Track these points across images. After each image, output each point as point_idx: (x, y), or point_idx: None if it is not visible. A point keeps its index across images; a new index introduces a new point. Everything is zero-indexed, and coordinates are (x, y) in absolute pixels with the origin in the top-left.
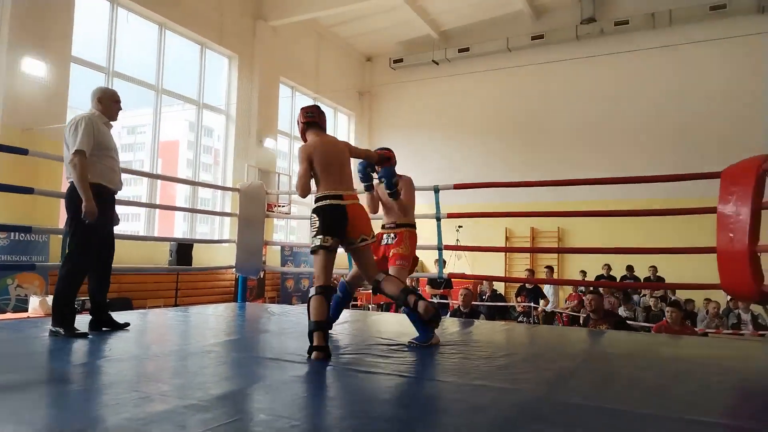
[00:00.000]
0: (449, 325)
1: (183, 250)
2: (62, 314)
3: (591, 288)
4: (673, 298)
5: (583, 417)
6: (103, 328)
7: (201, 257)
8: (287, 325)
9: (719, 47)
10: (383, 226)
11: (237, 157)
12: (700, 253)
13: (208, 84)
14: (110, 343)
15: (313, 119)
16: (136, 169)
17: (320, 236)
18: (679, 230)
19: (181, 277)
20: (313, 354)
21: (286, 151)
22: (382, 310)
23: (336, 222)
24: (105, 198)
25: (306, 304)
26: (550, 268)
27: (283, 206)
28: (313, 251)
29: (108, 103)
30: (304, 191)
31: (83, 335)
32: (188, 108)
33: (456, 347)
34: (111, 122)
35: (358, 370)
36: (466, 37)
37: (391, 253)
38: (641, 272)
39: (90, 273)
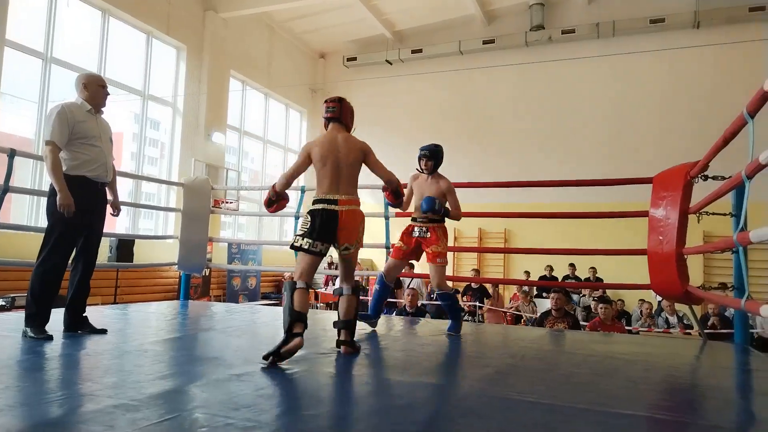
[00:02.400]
0: (395, 323)
1: (124, 246)
2: (32, 315)
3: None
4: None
5: (517, 411)
6: (79, 331)
7: (144, 254)
8: (230, 323)
9: (658, 58)
10: (415, 219)
11: (184, 151)
12: (633, 255)
13: (155, 75)
14: (41, 342)
15: (333, 114)
16: None
17: (308, 239)
18: (618, 233)
19: (121, 274)
20: (293, 342)
21: (236, 147)
22: (331, 309)
23: (326, 227)
24: (89, 189)
25: (286, 296)
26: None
27: (231, 202)
28: (298, 249)
29: (94, 89)
30: (282, 186)
31: (49, 338)
32: (133, 99)
33: (399, 345)
34: (100, 109)
35: (298, 370)
36: (420, 39)
37: (430, 251)
38: (582, 273)
39: (71, 272)
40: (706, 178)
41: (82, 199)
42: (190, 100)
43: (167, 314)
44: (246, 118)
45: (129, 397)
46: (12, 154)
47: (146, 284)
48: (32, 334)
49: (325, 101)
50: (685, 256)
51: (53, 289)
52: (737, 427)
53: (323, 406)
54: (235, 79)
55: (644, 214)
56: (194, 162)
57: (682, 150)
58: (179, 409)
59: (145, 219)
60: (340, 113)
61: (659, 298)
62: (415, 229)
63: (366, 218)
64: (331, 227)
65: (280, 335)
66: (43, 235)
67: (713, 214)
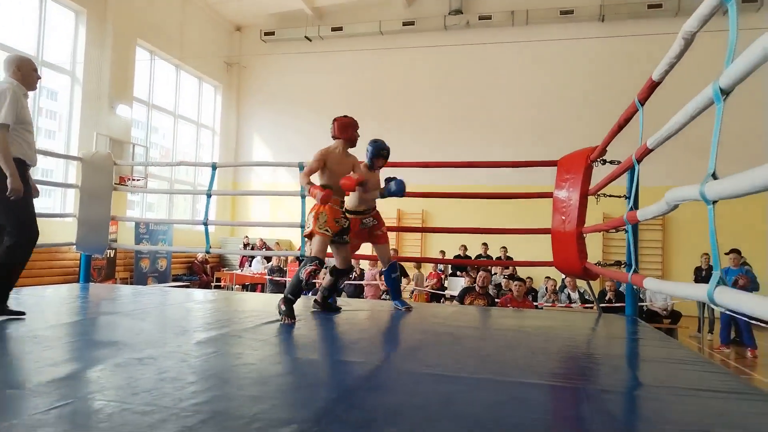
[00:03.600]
0: (311, 303)
1: None
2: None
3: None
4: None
5: (422, 384)
6: None
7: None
8: (135, 306)
9: (567, 48)
10: (359, 212)
11: (84, 124)
12: (538, 234)
13: (50, 40)
14: None
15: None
16: None
17: (327, 228)
18: (529, 214)
19: None
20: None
21: (143, 120)
22: (247, 290)
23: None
24: (23, 173)
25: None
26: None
27: (138, 180)
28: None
29: (27, 71)
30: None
31: (21, 313)
32: None
33: (311, 324)
34: (28, 92)
35: (207, 352)
36: (340, 16)
37: (381, 232)
38: (494, 253)
39: None
40: (604, 162)
41: (25, 185)
42: (91, 69)
43: (65, 298)
44: (155, 91)
45: (15, 385)
46: None
47: (43, 266)
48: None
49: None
50: (584, 235)
51: (23, 266)
52: (624, 390)
53: (228, 387)
54: (142, 48)
55: (546, 195)
56: (96, 136)
57: (588, 135)
58: (72, 395)
59: (43, 197)
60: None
61: (563, 276)
62: (364, 221)
63: (283, 197)
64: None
65: (190, 317)
66: None
67: (610, 196)
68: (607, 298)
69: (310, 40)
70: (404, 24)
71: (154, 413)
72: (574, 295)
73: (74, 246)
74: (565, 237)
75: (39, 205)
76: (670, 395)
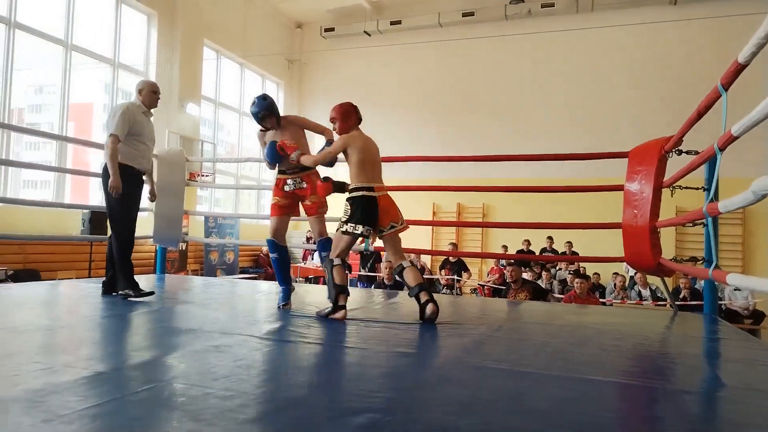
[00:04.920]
0: (373, 296)
1: (97, 219)
2: (127, 278)
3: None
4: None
5: (491, 378)
6: (113, 293)
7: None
8: (208, 296)
9: (636, 34)
10: (284, 171)
11: (157, 123)
12: (608, 229)
13: (125, 43)
14: (11, 315)
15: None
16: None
17: (353, 224)
18: (594, 208)
19: (95, 248)
20: (340, 313)
21: (211, 119)
22: (310, 283)
23: (370, 212)
24: (131, 178)
25: (328, 271)
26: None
27: (207, 176)
28: (345, 232)
29: (147, 93)
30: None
31: (150, 293)
32: (103, 67)
33: (377, 317)
34: (150, 111)
35: (278, 340)
36: (399, 10)
37: (309, 202)
38: (559, 247)
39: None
40: (680, 152)
41: (127, 185)
42: (162, 69)
43: (144, 287)
44: (221, 89)
45: (104, 368)
46: None
47: None
48: (135, 294)
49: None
50: (658, 230)
51: (131, 252)
52: (703, 391)
53: (301, 375)
54: (209, 48)
55: (619, 188)
56: (168, 134)
57: (658, 125)
58: (157, 379)
59: None
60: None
61: (632, 272)
62: (288, 181)
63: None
64: (373, 212)
65: (259, 307)
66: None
67: (686, 188)
68: (681, 295)
69: (369, 35)
70: (464, 15)
71: (234, 398)
72: (645, 292)
73: (151, 239)
74: (638, 231)
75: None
76: (756, 398)
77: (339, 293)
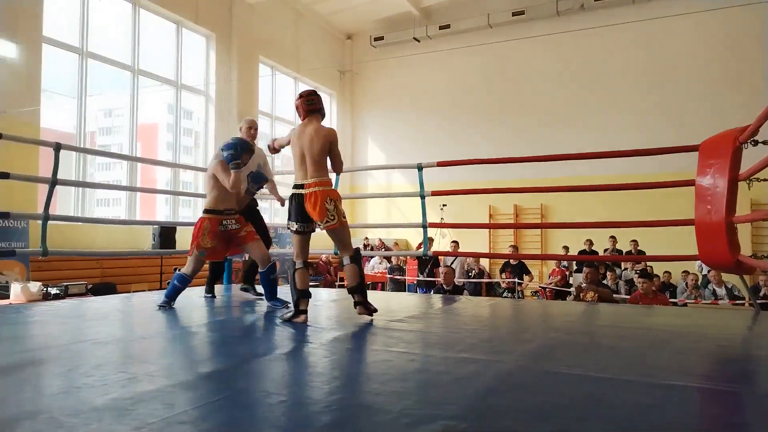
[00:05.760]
0: (434, 301)
1: (166, 234)
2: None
3: (585, 262)
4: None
5: (566, 385)
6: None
7: (186, 240)
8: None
9: (698, 21)
10: (217, 211)
11: (218, 139)
12: (677, 226)
13: (186, 64)
14: (95, 327)
15: (314, 106)
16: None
17: (289, 222)
18: (659, 204)
19: (165, 261)
20: (300, 317)
21: (268, 132)
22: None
23: (298, 209)
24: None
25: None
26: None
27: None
28: (292, 232)
29: (245, 130)
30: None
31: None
32: (166, 89)
33: (439, 322)
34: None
35: (343, 347)
36: (447, 14)
37: (244, 232)
38: (624, 246)
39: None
40: (756, 143)
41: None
42: (221, 88)
43: (215, 298)
44: (276, 104)
45: (185, 377)
46: (58, 147)
47: None
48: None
49: (304, 95)
50: (736, 225)
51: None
52: None
53: (371, 383)
54: (264, 64)
55: (687, 183)
56: None
57: (728, 117)
58: (233, 387)
59: (183, 207)
60: (320, 103)
61: (704, 270)
62: (224, 222)
63: (402, 198)
64: (301, 208)
65: (321, 315)
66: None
67: (765, 180)
68: (761, 293)
69: (419, 41)
70: (513, 14)
71: (309, 405)
72: (720, 291)
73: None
74: (713, 228)
75: (182, 214)
76: None
77: (300, 297)
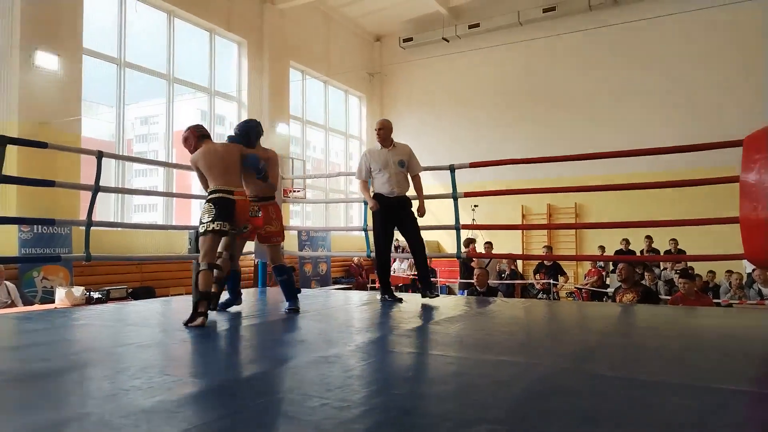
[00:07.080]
0: (469, 303)
1: None
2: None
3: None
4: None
5: (610, 387)
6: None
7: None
8: (307, 308)
9: (731, 13)
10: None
11: None
12: (719, 224)
13: (219, 71)
14: (137, 330)
15: (202, 133)
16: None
17: (208, 222)
18: (699, 202)
19: None
20: (198, 320)
21: (299, 136)
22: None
23: (227, 210)
24: (385, 202)
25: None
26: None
27: (298, 191)
28: (204, 234)
29: (376, 134)
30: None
31: (399, 299)
32: (200, 96)
33: (476, 324)
34: (385, 145)
35: (382, 350)
36: (476, 13)
37: (263, 231)
38: (661, 245)
39: None
40: None
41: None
42: (253, 93)
43: (248, 301)
44: (306, 107)
45: (226, 379)
46: (100, 155)
47: None
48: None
49: (193, 127)
50: None
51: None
52: None
53: (411, 385)
54: (294, 69)
55: (730, 180)
56: None
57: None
58: (275, 390)
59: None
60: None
61: (749, 269)
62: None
63: (433, 200)
64: (231, 211)
65: (357, 317)
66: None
67: None
68: None
69: (448, 41)
70: (544, 11)
71: (351, 408)
72: (766, 291)
73: (253, 254)
74: (759, 225)
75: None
76: None
77: (200, 299)
